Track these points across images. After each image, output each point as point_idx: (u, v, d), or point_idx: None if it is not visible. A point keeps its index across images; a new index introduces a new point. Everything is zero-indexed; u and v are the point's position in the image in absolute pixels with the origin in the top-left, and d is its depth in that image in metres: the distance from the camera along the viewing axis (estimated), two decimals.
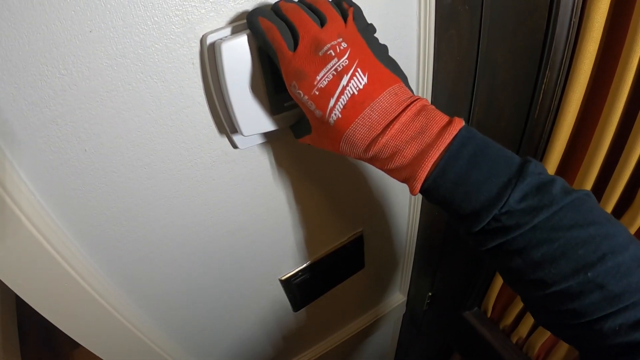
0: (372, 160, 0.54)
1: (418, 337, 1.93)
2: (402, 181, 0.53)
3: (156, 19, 0.55)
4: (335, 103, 0.51)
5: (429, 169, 0.49)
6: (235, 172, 0.78)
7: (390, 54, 0.60)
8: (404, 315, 1.81)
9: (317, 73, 0.51)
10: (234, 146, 0.73)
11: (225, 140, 0.72)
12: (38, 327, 1.25)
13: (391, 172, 0.53)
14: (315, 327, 1.44)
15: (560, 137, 0.89)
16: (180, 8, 0.56)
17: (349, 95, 0.50)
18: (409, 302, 1.71)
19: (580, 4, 0.75)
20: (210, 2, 0.58)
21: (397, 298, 1.68)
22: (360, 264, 1.28)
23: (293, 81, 0.53)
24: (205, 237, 0.85)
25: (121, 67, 0.56)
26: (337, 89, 0.51)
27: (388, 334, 1.96)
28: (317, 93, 0.52)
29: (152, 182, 0.70)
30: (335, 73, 0.50)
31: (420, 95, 0.90)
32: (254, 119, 0.65)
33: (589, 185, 0.89)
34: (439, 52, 0.88)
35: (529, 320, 1.34)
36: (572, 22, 0.77)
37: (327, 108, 0.52)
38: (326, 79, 0.51)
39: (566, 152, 0.95)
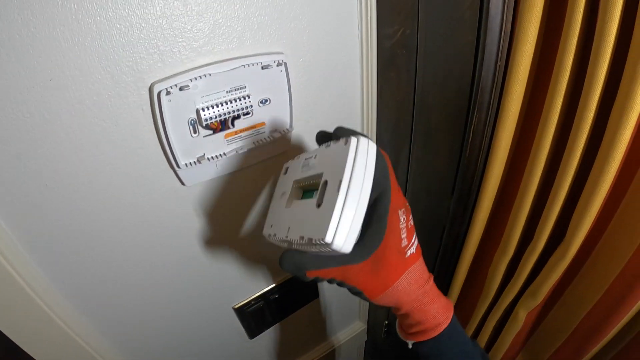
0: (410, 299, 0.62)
1: None
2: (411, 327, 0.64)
3: (109, 69, 0.63)
4: (414, 240, 0.62)
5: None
6: (184, 206, 0.85)
7: (336, 94, 0.86)
8: (366, 342, 1.85)
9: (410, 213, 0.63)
10: (182, 183, 0.81)
11: (175, 177, 0.80)
12: None
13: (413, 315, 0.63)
14: (274, 354, 1.48)
15: (493, 176, 0.95)
16: (131, 59, 0.64)
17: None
18: (369, 330, 1.76)
19: (506, 48, 0.83)
20: (158, 53, 0.66)
21: (357, 326, 1.73)
22: (314, 294, 1.34)
23: (402, 207, 0.60)
24: (156, 268, 0.91)
25: (78, 112, 0.64)
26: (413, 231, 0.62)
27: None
28: (410, 226, 0.61)
29: (107, 214, 0.77)
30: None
31: (365, 133, 1.00)
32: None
33: (522, 219, 0.97)
34: (381, 93, 0.97)
35: (481, 342, 1.39)
36: (497, 66, 0.84)
37: (411, 240, 0.60)
38: (411, 221, 0.62)
39: (499, 190, 1.02)
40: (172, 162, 0.76)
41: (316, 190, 0.56)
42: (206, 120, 0.72)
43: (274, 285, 1.18)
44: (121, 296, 0.91)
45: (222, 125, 0.75)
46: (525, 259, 1.00)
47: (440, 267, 1.33)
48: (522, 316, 1.10)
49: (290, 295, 1.24)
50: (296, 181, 0.64)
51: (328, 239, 0.48)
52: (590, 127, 0.73)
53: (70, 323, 0.83)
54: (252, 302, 1.16)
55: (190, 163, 0.76)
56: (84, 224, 0.76)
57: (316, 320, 1.50)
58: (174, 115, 0.70)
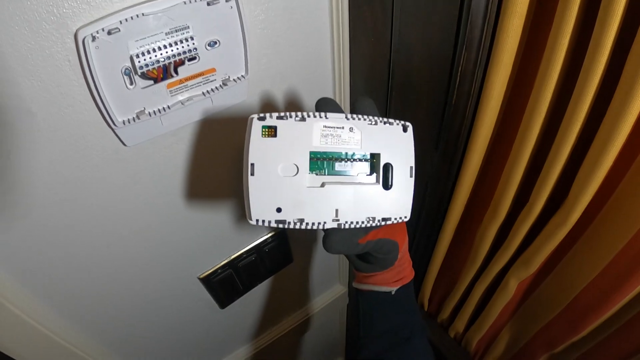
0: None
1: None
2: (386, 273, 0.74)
3: (25, 16, 0.53)
4: None
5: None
6: (129, 170, 0.76)
7: (301, 33, 0.78)
8: (347, 304, 1.83)
9: None
10: (124, 144, 0.71)
11: (115, 138, 0.70)
12: None
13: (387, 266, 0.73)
14: (250, 323, 1.46)
15: (483, 126, 0.85)
16: (50, 2, 0.54)
17: None
18: (350, 293, 1.73)
19: None
20: None
21: (338, 289, 1.71)
22: (289, 259, 1.29)
23: None
24: (109, 239, 0.84)
25: None
26: None
27: (335, 323, 1.99)
28: None
29: (42, 185, 0.69)
30: None
31: (337, 79, 0.93)
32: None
33: (517, 178, 0.88)
34: (353, 33, 0.88)
35: (464, 315, 1.34)
36: None
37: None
38: None
39: (491, 143, 0.93)
40: (108, 120, 0.66)
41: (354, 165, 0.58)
42: (142, 67, 0.62)
43: (241, 252, 1.12)
44: (76, 275, 0.85)
45: (163, 73, 0.65)
46: (519, 223, 0.92)
47: (423, 229, 1.26)
48: (512, 286, 1.04)
49: (261, 261, 1.19)
50: (317, 155, 0.57)
51: (409, 215, 0.59)
52: (606, 65, 0.62)
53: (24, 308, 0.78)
54: (219, 271, 1.11)
55: (128, 120, 0.67)
56: (19, 199, 0.68)
57: (293, 285, 1.47)
58: (104, 64, 0.60)
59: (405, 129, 0.59)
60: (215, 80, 0.72)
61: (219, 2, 0.64)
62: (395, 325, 0.75)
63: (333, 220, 0.56)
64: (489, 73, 0.78)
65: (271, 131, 0.55)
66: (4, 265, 0.73)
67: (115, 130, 0.68)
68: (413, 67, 0.88)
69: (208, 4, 0.64)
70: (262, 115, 0.54)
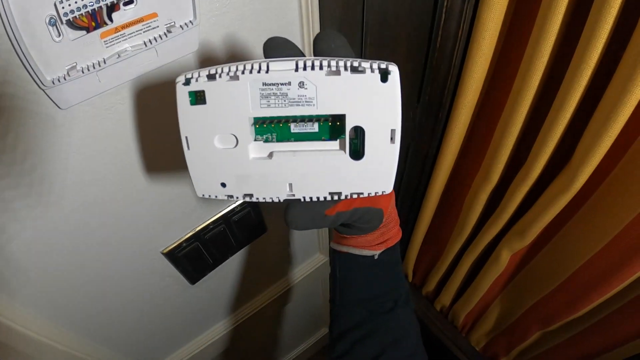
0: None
1: None
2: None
3: None
4: None
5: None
6: (70, 137, 0.69)
7: None
8: (330, 275, 1.77)
9: None
10: (58, 107, 0.64)
11: (49, 101, 0.63)
12: None
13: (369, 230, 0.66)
14: (224, 297, 1.43)
15: (474, 76, 0.77)
16: None
17: None
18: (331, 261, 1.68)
19: None
20: None
21: (318, 258, 1.67)
22: (262, 228, 1.24)
23: None
24: (56, 215, 0.77)
25: None
26: None
27: (318, 294, 1.97)
28: None
29: None
30: None
31: (305, 22, 0.85)
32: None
33: (512, 136, 0.80)
34: None
35: (451, 288, 1.31)
36: None
37: None
38: None
39: (482, 95, 0.85)
40: (36, 80, 0.58)
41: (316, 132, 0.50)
42: (67, 14, 0.54)
43: (207, 222, 1.07)
44: (26, 259, 0.79)
45: (94, 21, 0.57)
46: (514, 188, 0.86)
47: (405, 195, 1.20)
48: (505, 258, 1.00)
49: (231, 232, 1.14)
50: (263, 120, 0.50)
51: (390, 189, 0.50)
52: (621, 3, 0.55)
53: None
54: (184, 245, 1.05)
55: (58, 78, 0.59)
56: None
57: (269, 256, 1.43)
58: (25, 13, 0.52)
59: (384, 77, 0.44)
60: (157, 27, 0.64)
61: None
62: (377, 294, 0.69)
63: (288, 196, 0.51)
64: (480, 9, 0.70)
65: (200, 97, 0.48)
66: None
67: (47, 92, 0.61)
68: (389, 7, 0.80)
69: None
70: (188, 76, 0.46)
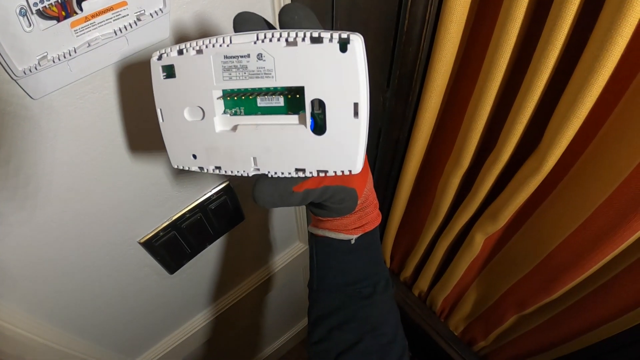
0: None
1: None
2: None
3: None
4: None
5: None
6: (42, 127, 0.70)
7: None
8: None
9: None
10: (31, 97, 0.65)
11: (21, 91, 0.63)
12: None
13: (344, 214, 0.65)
14: (204, 286, 1.43)
15: (443, 59, 0.78)
16: None
17: None
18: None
19: None
20: None
21: (298, 247, 1.68)
22: (239, 216, 1.24)
23: None
24: (30, 203, 0.78)
25: None
26: None
27: (299, 281, 1.97)
28: None
29: None
30: None
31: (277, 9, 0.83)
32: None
33: (482, 120, 0.82)
34: None
35: (428, 273, 1.32)
36: None
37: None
38: None
39: (452, 79, 0.86)
40: (8, 70, 0.59)
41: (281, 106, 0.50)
42: (37, 4, 0.55)
43: (183, 211, 1.07)
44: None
45: (64, 10, 0.58)
46: (485, 172, 0.87)
47: (378, 180, 1.22)
48: (478, 241, 1.01)
49: (208, 220, 1.14)
50: (231, 93, 0.51)
51: (357, 169, 0.48)
52: None
53: None
54: (161, 234, 1.06)
55: (29, 68, 0.60)
56: None
57: (248, 245, 1.44)
58: None
59: (343, 47, 0.44)
60: (127, 15, 0.65)
61: None
62: (355, 279, 0.69)
63: (254, 170, 0.52)
64: None
65: (170, 71, 0.50)
66: None
67: (19, 82, 0.61)
68: None
69: None
70: (162, 52, 0.49)
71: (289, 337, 2.38)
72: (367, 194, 0.65)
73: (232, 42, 0.46)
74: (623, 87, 0.63)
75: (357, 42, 0.44)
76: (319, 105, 0.47)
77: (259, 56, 0.46)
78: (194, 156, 0.53)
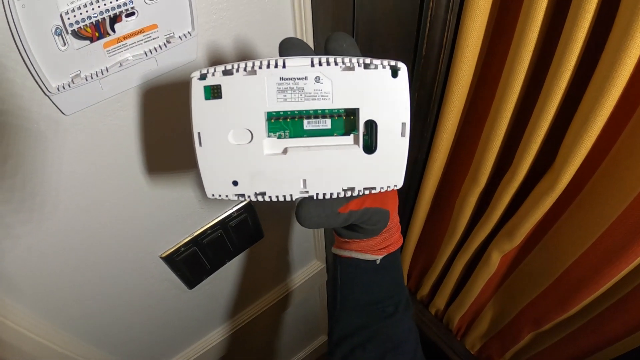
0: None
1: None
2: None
3: None
4: None
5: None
6: (73, 142, 0.72)
7: None
8: (327, 281, 1.82)
9: None
10: (62, 112, 0.67)
11: (53, 106, 0.66)
12: None
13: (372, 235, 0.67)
14: (221, 302, 1.44)
15: (459, 81, 0.79)
16: None
17: None
18: (329, 269, 1.71)
19: None
20: None
21: (315, 265, 1.69)
22: (259, 234, 1.26)
23: None
24: (57, 217, 0.80)
25: None
26: None
27: (315, 300, 1.98)
28: None
29: None
30: None
31: (299, 30, 0.88)
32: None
33: (497, 140, 0.83)
34: None
35: (445, 291, 1.32)
36: None
37: None
38: None
39: (469, 100, 0.88)
40: (42, 86, 0.61)
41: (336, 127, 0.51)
42: (72, 25, 0.58)
43: (204, 227, 1.09)
44: (26, 257, 0.81)
45: (98, 31, 0.60)
46: (501, 190, 0.88)
47: (399, 196, 1.23)
48: (495, 259, 1.01)
49: (228, 237, 1.16)
50: (277, 116, 0.51)
51: (401, 184, 0.51)
52: (597, 8, 0.58)
53: None
54: (182, 249, 1.07)
55: (63, 85, 0.62)
56: None
57: (266, 262, 1.44)
58: (32, 23, 0.56)
59: (395, 73, 0.48)
60: (157, 37, 0.67)
61: None
62: (378, 299, 0.70)
63: (301, 193, 0.51)
64: (463, 19, 0.72)
65: (216, 91, 0.48)
66: None
67: (52, 98, 0.64)
68: (377, 12, 0.84)
69: None
70: (204, 72, 0.47)
71: (304, 355, 2.36)
72: (394, 215, 0.66)
73: (287, 64, 0.47)
74: (633, 106, 0.64)
75: (404, 69, 0.47)
76: (367, 126, 0.49)
77: (317, 79, 0.47)
78: (235, 183, 0.51)
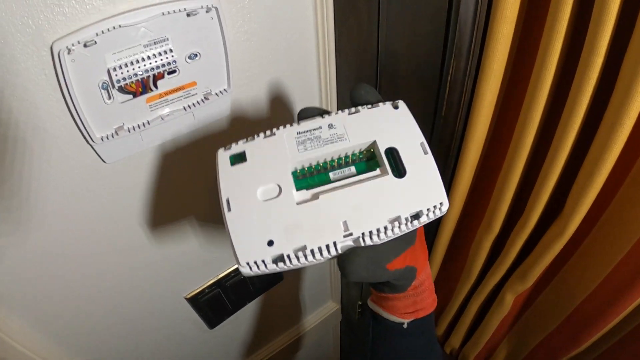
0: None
1: (357, 343, 1.92)
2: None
3: (1, 29, 0.52)
4: None
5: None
6: (110, 187, 0.75)
7: (285, 45, 0.76)
8: (341, 322, 1.81)
9: None
10: (103, 160, 0.70)
11: (94, 154, 0.68)
12: None
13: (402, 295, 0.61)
14: (239, 342, 1.43)
15: (475, 138, 0.83)
16: (25, 12, 0.52)
17: None
18: (343, 310, 1.71)
19: None
20: (57, 4, 0.54)
21: (330, 306, 1.68)
22: (279, 277, 1.27)
23: None
24: (91, 259, 0.82)
25: None
26: None
27: (329, 340, 1.96)
28: None
29: (20, 203, 0.67)
30: None
31: (324, 89, 0.91)
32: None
33: (510, 190, 0.85)
34: (339, 43, 0.86)
35: (460, 331, 1.32)
36: (479, 1, 0.70)
37: None
38: None
39: (483, 155, 0.91)
40: (86, 136, 0.64)
41: (355, 163, 0.52)
42: (119, 81, 0.61)
43: (228, 270, 1.10)
44: (58, 295, 0.82)
45: (142, 87, 0.64)
46: (514, 236, 0.90)
47: None
48: (509, 300, 1.02)
49: (250, 280, 1.17)
50: (302, 173, 0.51)
51: (446, 200, 0.48)
52: (601, 70, 0.60)
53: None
54: (206, 291, 1.08)
55: (107, 136, 0.65)
56: None
57: (283, 303, 1.45)
58: (81, 78, 0.59)
59: (395, 106, 0.53)
60: (196, 94, 0.70)
61: (198, 13, 0.63)
62: None
63: (345, 237, 0.46)
64: (479, 82, 0.76)
65: (240, 157, 0.50)
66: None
67: (94, 147, 0.67)
68: (400, 76, 0.87)
69: (188, 15, 0.62)
70: (228, 146, 0.51)
71: None
72: (424, 278, 0.61)
73: (301, 122, 0.51)
74: (632, 162, 0.67)
75: (403, 104, 0.53)
76: (388, 155, 0.50)
77: (330, 125, 0.51)
78: (270, 242, 0.45)
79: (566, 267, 0.90)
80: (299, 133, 0.51)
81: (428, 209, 0.47)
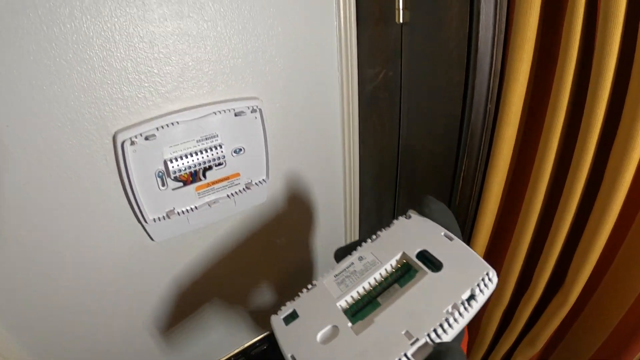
0: None
1: None
2: None
3: (69, 115, 0.58)
4: None
5: None
6: (154, 264, 0.80)
7: (316, 140, 0.82)
8: None
9: None
10: (151, 239, 0.75)
11: (143, 232, 0.74)
12: None
13: None
14: None
15: (484, 226, 0.90)
16: (93, 105, 0.59)
17: None
18: None
19: (496, 88, 0.77)
20: (122, 99, 0.61)
21: None
22: None
23: None
24: (124, 327, 0.85)
25: (35, 160, 0.59)
26: None
27: None
28: None
29: (68, 272, 0.71)
30: None
31: (347, 181, 0.97)
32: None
33: (515, 271, 0.91)
34: (363, 139, 0.93)
35: None
36: (487, 108, 0.79)
37: None
38: None
39: (491, 240, 0.97)
40: (139, 217, 0.70)
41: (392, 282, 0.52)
42: (175, 172, 0.68)
43: (255, 340, 1.12)
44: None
45: (192, 177, 0.70)
46: (522, 307, 0.94)
47: None
48: None
49: (276, 348, 1.15)
50: (353, 311, 0.51)
51: (489, 268, 0.47)
52: (590, 167, 0.68)
53: None
54: (232, 359, 1.10)
55: (159, 218, 0.71)
56: (45, 284, 0.70)
57: None
58: (140, 166, 0.65)
59: (408, 217, 0.55)
60: (239, 184, 0.77)
61: (245, 114, 0.70)
62: None
63: (412, 345, 0.44)
64: (487, 177, 0.83)
65: (292, 315, 0.51)
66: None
67: (145, 227, 0.72)
68: (418, 171, 0.94)
69: (236, 114, 0.70)
70: (278, 312, 0.51)
71: None
72: None
73: (334, 267, 0.53)
74: (623, 235, 0.73)
75: (413, 211, 0.55)
76: (422, 256, 0.51)
77: (360, 258, 0.53)
78: None
79: (571, 331, 0.94)
80: (336, 276, 0.53)
81: (478, 285, 0.47)
